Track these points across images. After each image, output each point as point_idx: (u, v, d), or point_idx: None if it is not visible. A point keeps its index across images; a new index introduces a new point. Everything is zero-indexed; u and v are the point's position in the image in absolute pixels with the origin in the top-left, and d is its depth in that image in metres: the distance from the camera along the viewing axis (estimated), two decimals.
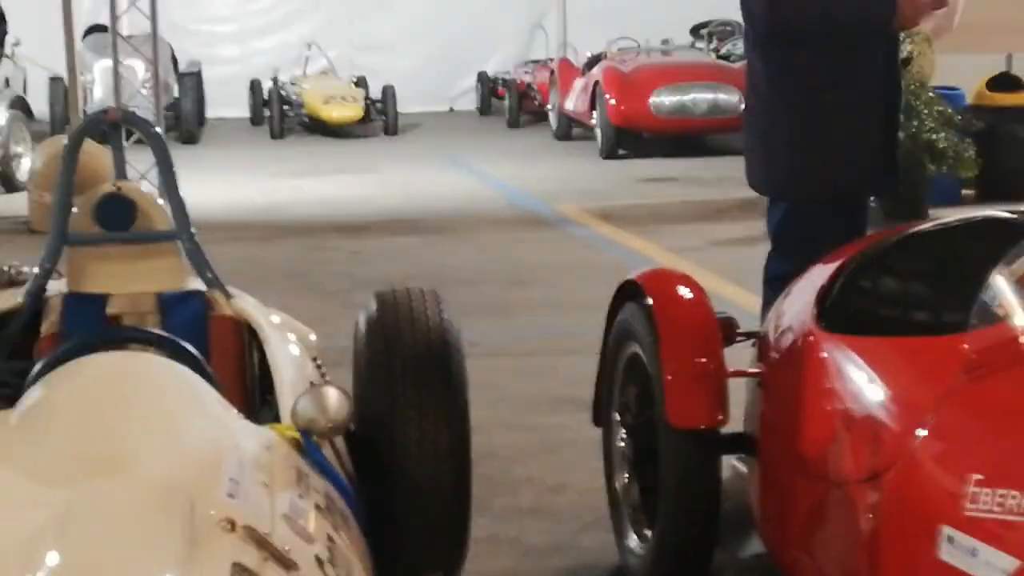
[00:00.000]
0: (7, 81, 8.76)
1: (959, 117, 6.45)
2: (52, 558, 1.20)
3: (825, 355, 2.17)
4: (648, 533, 2.65)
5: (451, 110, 13.19)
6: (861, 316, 2.33)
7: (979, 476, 1.67)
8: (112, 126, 2.64)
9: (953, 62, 6.55)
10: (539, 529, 2.86)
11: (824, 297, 2.34)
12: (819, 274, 2.47)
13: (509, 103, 11.76)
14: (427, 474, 2.04)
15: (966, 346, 1.91)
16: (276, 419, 1.94)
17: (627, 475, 2.79)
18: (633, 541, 2.71)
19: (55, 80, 9.75)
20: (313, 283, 5.18)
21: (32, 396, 1.70)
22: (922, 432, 1.86)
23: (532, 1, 12.69)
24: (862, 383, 2.09)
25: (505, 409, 3.45)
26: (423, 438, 2.04)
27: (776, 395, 2.39)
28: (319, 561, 1.43)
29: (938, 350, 2.01)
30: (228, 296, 2.46)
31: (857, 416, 2.04)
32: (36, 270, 2.50)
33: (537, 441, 3.39)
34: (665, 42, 10.45)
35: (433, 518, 2.06)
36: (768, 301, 2.87)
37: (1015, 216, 2.45)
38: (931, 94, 6.36)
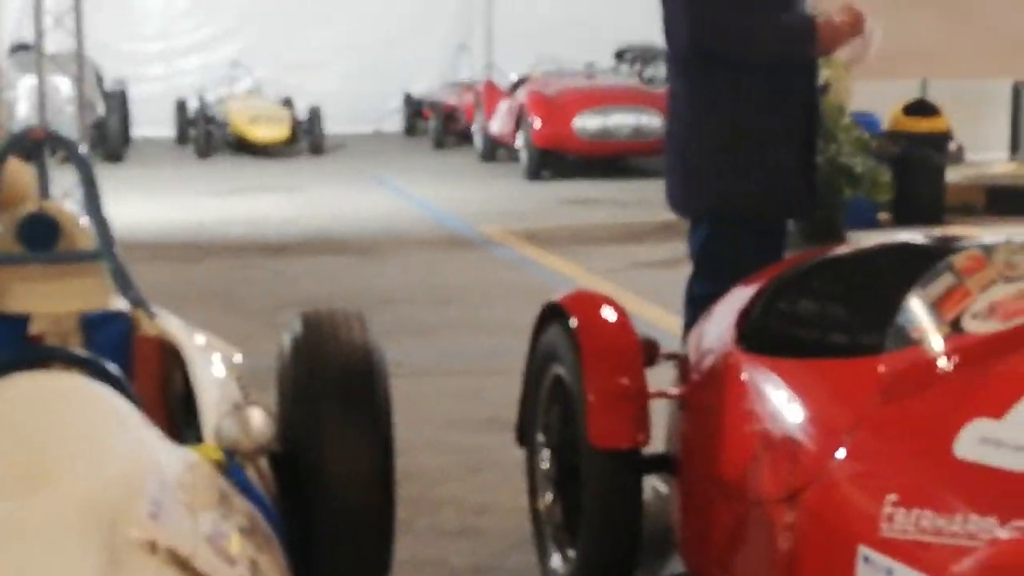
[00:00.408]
0: None
1: (875, 142, 6.63)
2: None
3: (745, 376, 2.22)
4: (571, 553, 2.65)
5: (377, 131, 13.17)
6: (780, 338, 2.37)
7: (894, 497, 1.71)
8: (36, 144, 2.63)
9: (869, 89, 6.80)
10: (463, 550, 2.84)
11: (744, 318, 2.39)
12: (739, 296, 2.52)
13: (435, 124, 11.80)
14: (351, 496, 2.03)
15: (882, 368, 1.97)
16: (199, 440, 1.94)
17: (550, 495, 2.79)
18: (556, 561, 2.72)
19: None
20: (237, 303, 5.15)
21: None
22: (839, 453, 1.89)
23: (457, 22, 12.67)
24: (781, 404, 2.13)
25: (429, 430, 3.45)
26: (347, 459, 2.04)
27: (697, 416, 2.43)
28: None
29: (855, 372, 2.06)
30: (152, 316, 2.47)
31: (775, 436, 2.07)
32: None
33: (461, 462, 3.38)
34: (589, 65, 10.55)
35: (357, 540, 2.05)
36: (689, 322, 2.91)
37: (929, 241, 2.55)
38: (848, 119, 6.52)
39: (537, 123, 9.16)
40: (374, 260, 6.43)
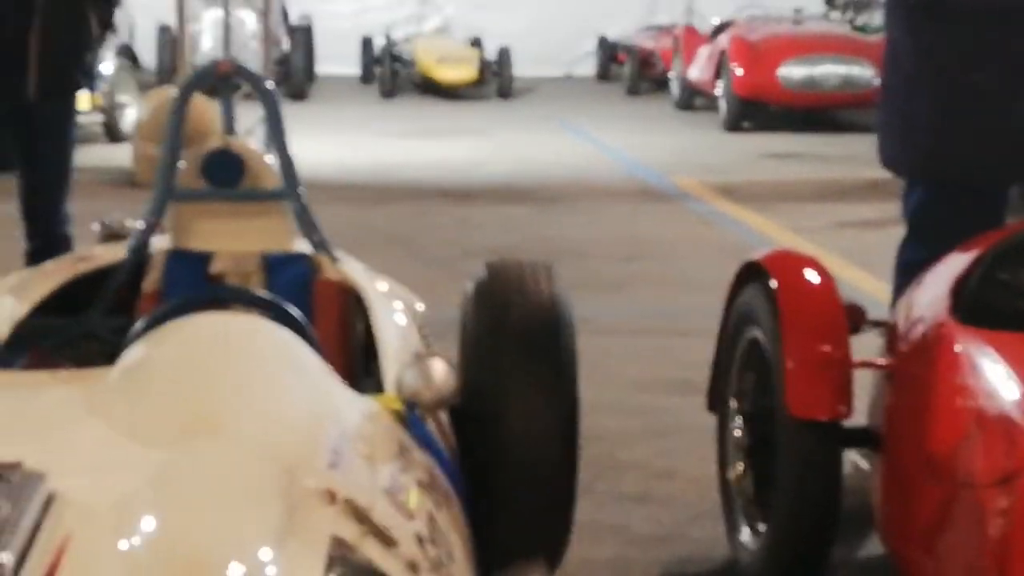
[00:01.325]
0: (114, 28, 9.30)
1: None
2: (147, 522, 1.18)
3: (959, 349, 2.11)
4: (762, 527, 2.61)
5: (568, 75, 12.98)
6: (1000, 310, 2.24)
7: None
8: (222, 79, 2.54)
9: None
10: (645, 517, 2.80)
11: (960, 287, 2.27)
12: (956, 263, 2.39)
13: (630, 69, 11.58)
14: (533, 453, 2.01)
15: None
16: (379, 389, 1.91)
17: (742, 465, 2.75)
18: (746, 535, 2.68)
19: (163, 29, 9.84)
20: (419, 250, 5.12)
21: (132, 354, 1.70)
22: None
23: None
24: (998, 380, 2.01)
25: (615, 390, 3.40)
26: (530, 416, 2.02)
27: (904, 389, 2.34)
28: (419, 539, 1.42)
29: None
30: (334, 260, 2.41)
31: (990, 415, 1.97)
32: (139, 224, 2.43)
33: (646, 425, 3.35)
34: (797, 11, 10.04)
35: (537, 500, 2.03)
36: (899, 289, 2.80)
37: None
38: None
39: (739, 71, 8.92)
40: (562, 210, 6.36)
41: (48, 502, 1.17)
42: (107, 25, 3.60)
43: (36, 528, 1.13)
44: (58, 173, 3.57)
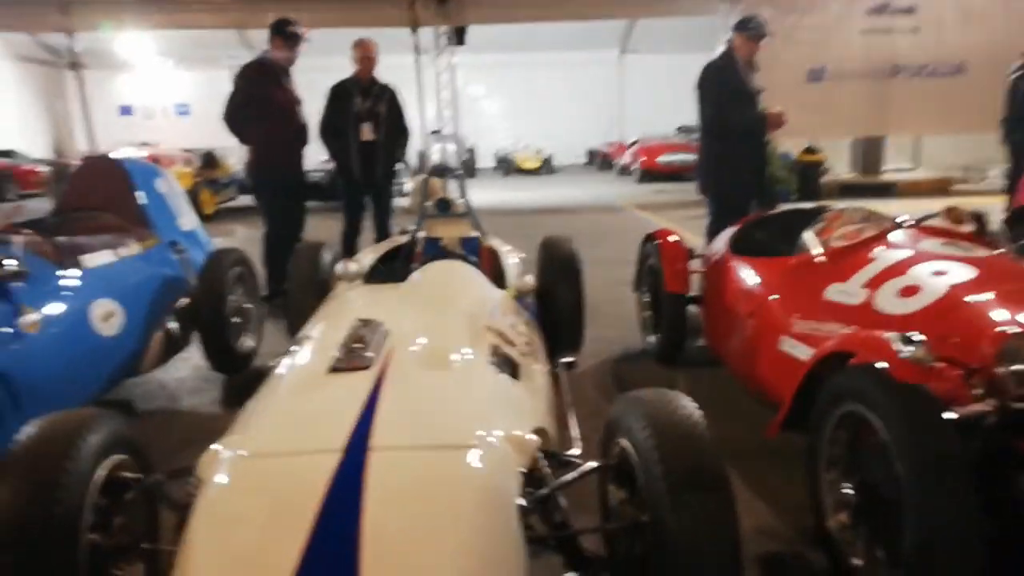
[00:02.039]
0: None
1: (790, 164, 12.57)
2: (420, 340, 2.21)
3: (731, 265, 3.79)
4: (653, 337, 4.41)
5: (575, 164, 23.77)
6: (748, 248, 3.89)
7: (798, 314, 2.99)
8: (441, 171, 4.44)
9: (785, 143, 12.17)
10: (608, 327, 4.59)
11: (733, 238, 4.10)
12: (731, 229, 4.26)
13: (598, 161, 22.88)
14: (566, 307, 3.56)
15: (792, 262, 3.34)
16: (506, 287, 3.24)
17: (648, 312, 4.61)
18: (651, 338, 4.50)
19: (420, 153, 15.54)
20: (522, 232, 7.47)
21: (414, 277, 3.04)
22: (772, 295, 3.25)
23: (608, 121, 23.56)
24: (747, 276, 3.56)
25: (597, 285, 4.85)
26: (563, 293, 3.57)
27: (710, 279, 4.05)
28: (524, 343, 2.58)
29: (781, 264, 3.43)
30: (487, 238, 4.09)
31: (742, 287, 3.55)
32: (413, 228, 4.08)
33: (608, 296, 5.39)
34: (666, 136, 18.90)
35: (569, 325, 3.58)
36: (707, 241, 4.80)
37: (814, 207, 4.18)
38: (777, 155, 11.76)
39: (643, 158, 17.64)
40: (575, 215, 11.81)
41: (385, 333, 2.22)
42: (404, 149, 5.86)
43: (381, 343, 2.14)
44: (389, 213, 6.28)
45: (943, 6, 12.59)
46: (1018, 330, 2.17)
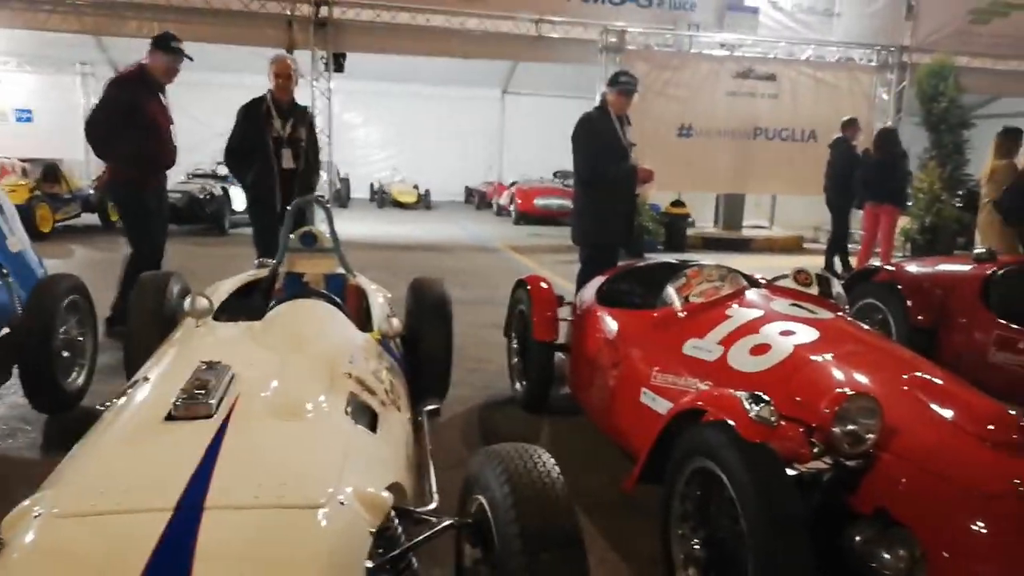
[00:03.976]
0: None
1: (658, 216, 12.98)
2: (273, 386, 2.11)
3: (597, 315, 3.90)
4: (520, 385, 4.44)
5: (454, 201, 22.86)
6: (614, 299, 4.08)
7: (657, 368, 3.11)
8: (312, 202, 4.20)
9: (655, 195, 12.73)
10: (478, 376, 4.73)
11: (600, 289, 4.22)
12: (598, 279, 4.39)
13: (476, 200, 22.13)
14: (434, 353, 3.49)
15: (655, 315, 3.47)
16: (371, 330, 3.07)
17: (516, 357, 4.64)
18: (518, 386, 4.53)
19: None
20: (391, 269, 8.33)
21: (271, 315, 2.89)
22: (634, 350, 3.38)
23: (489, 159, 23.17)
24: (612, 328, 3.68)
25: (466, 327, 5.18)
26: (431, 336, 3.52)
27: (577, 328, 4.12)
28: (385, 391, 2.45)
29: (643, 316, 3.56)
30: (354, 276, 3.94)
31: (606, 337, 3.65)
32: (273, 262, 3.85)
33: (478, 340, 5.47)
34: (541, 179, 19.12)
35: (435, 370, 3.50)
36: (577, 289, 4.91)
37: (676, 261, 4.38)
38: (647, 206, 12.33)
39: (519, 200, 17.78)
40: (450, 254, 11.55)
41: (232, 378, 2.08)
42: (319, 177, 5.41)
43: (226, 388, 2.01)
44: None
45: (799, 76, 13.72)
46: (851, 392, 2.31)
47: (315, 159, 5.90)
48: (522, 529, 1.63)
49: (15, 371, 3.78)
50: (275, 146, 5.60)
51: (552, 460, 1.83)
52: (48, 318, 3.65)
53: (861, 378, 2.59)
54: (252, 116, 5.65)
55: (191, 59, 5.54)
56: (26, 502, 1.56)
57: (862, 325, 3.27)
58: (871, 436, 2.24)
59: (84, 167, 16.31)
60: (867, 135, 10.82)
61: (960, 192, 11.99)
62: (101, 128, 5.20)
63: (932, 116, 12.43)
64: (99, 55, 18.47)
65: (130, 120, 5.14)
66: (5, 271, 3.93)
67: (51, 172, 12.67)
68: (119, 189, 5.47)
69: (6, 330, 3.71)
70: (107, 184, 5.51)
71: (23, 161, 13.44)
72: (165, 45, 5.31)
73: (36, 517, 1.50)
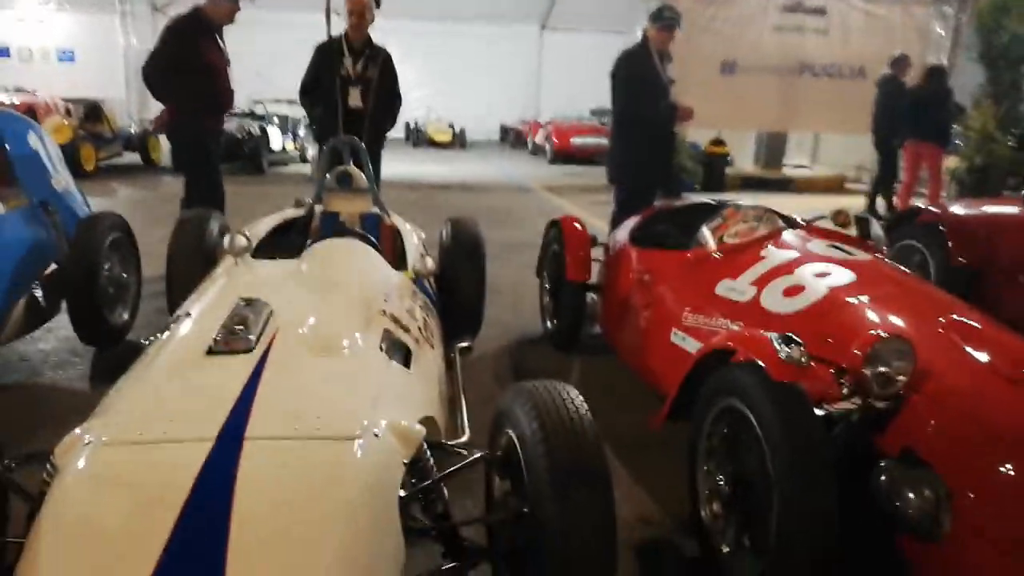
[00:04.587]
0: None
1: (697, 155, 12.60)
2: (310, 322, 2.17)
3: (630, 255, 3.91)
4: (551, 323, 4.41)
5: (489, 140, 22.80)
6: (648, 240, 4.04)
7: (689, 308, 3.13)
8: (347, 143, 4.07)
9: (695, 132, 12.47)
10: (503, 303, 4.73)
11: (634, 229, 4.19)
12: (633, 219, 4.35)
13: (511, 138, 22.19)
14: (467, 289, 3.61)
15: (689, 255, 3.48)
16: (406, 268, 3.19)
17: (548, 297, 4.65)
18: (549, 324, 4.55)
19: None
20: (426, 208, 8.50)
21: (308, 253, 2.94)
22: (666, 288, 3.42)
23: (526, 98, 22.70)
24: (645, 268, 3.69)
25: (501, 265, 5.37)
26: (466, 274, 3.63)
27: (610, 268, 4.13)
28: (419, 327, 2.54)
29: (679, 256, 3.56)
30: (388, 215, 3.99)
31: (640, 278, 3.68)
32: (310, 200, 3.92)
33: (512, 277, 5.50)
34: (579, 117, 18.70)
35: (468, 305, 3.61)
36: (611, 229, 4.93)
37: (713, 201, 4.29)
38: (686, 145, 12.17)
39: (555, 140, 17.51)
40: (484, 194, 11.62)
41: (270, 314, 2.12)
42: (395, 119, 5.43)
43: (265, 324, 2.06)
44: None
45: (850, 10, 13.14)
46: (885, 334, 2.29)
47: (389, 101, 5.71)
48: (550, 463, 1.66)
49: (63, 306, 3.88)
50: (342, 85, 5.49)
51: (580, 397, 1.86)
52: (93, 255, 3.74)
53: (895, 320, 2.56)
54: (324, 54, 5.55)
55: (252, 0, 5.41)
56: (77, 430, 1.63)
57: (899, 267, 3.21)
58: (902, 378, 2.23)
59: (125, 106, 16.50)
60: (918, 70, 10.40)
61: (1014, 131, 11.50)
62: (158, 73, 5.20)
63: (992, 50, 11.82)
64: None
65: (186, 64, 5.14)
66: (52, 209, 4.03)
67: (93, 112, 12.83)
68: (178, 130, 5.48)
69: (56, 266, 3.79)
70: (166, 125, 5.53)
71: (66, 100, 13.61)
72: None
73: (87, 444, 1.57)
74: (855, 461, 2.20)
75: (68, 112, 12.92)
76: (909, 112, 9.15)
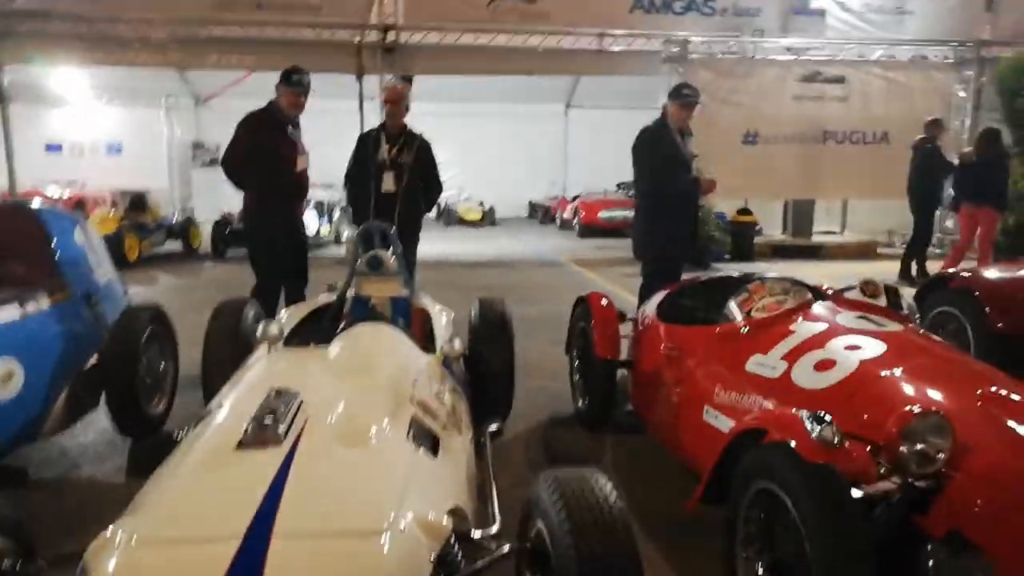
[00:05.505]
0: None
1: (724, 225, 12.70)
2: (337, 412, 2.19)
3: (659, 331, 3.89)
4: (583, 402, 4.36)
5: (518, 217, 23.38)
6: (676, 315, 4.03)
7: (719, 385, 3.06)
8: (377, 227, 4.17)
9: (721, 203, 12.57)
10: (540, 388, 4.75)
11: (662, 305, 4.18)
12: (660, 295, 4.34)
13: (540, 215, 22.59)
14: (497, 371, 3.60)
15: (718, 331, 3.42)
16: (435, 351, 3.21)
17: (577, 375, 4.56)
18: (580, 402, 4.40)
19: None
20: (456, 287, 8.33)
21: (338, 340, 2.94)
22: (696, 367, 3.35)
23: (553, 175, 23.03)
24: (674, 344, 3.64)
25: (529, 343, 5.30)
26: (495, 357, 3.63)
27: (639, 345, 4.13)
28: (447, 413, 2.57)
29: (706, 332, 3.50)
30: (418, 298, 4.02)
31: (665, 354, 3.65)
32: (341, 285, 3.97)
33: (542, 356, 5.44)
34: (605, 191, 18.98)
35: (499, 389, 3.62)
36: (639, 304, 4.88)
37: (739, 275, 4.28)
38: (712, 215, 12.25)
39: (583, 213, 17.98)
40: (514, 270, 11.83)
41: (300, 404, 2.16)
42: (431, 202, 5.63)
43: (294, 415, 2.10)
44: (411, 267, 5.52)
45: (869, 77, 13.32)
46: (920, 410, 2.25)
47: (424, 183, 5.86)
48: (579, 556, 1.64)
49: (103, 398, 3.96)
50: (377, 170, 5.71)
51: (610, 484, 1.84)
52: (131, 348, 3.84)
53: (931, 394, 2.51)
54: (364, 142, 5.83)
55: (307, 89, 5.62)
56: (107, 530, 1.66)
57: (933, 337, 3.17)
58: (941, 456, 2.17)
59: (168, 195, 17.11)
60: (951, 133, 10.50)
61: None
62: (228, 164, 5.46)
63: (1015, 112, 11.86)
64: (182, 87, 19.45)
65: (253, 155, 5.37)
66: (93, 301, 4.17)
67: (139, 202, 13.32)
68: (246, 219, 5.75)
69: (95, 359, 3.90)
70: (240, 214, 5.75)
71: (112, 192, 14.18)
72: (288, 79, 5.50)
73: (117, 546, 1.60)
74: (898, 543, 2.13)
75: (114, 203, 13.43)
76: (965, 176, 9.10)
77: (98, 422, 4.31)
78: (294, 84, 5.45)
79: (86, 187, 15.50)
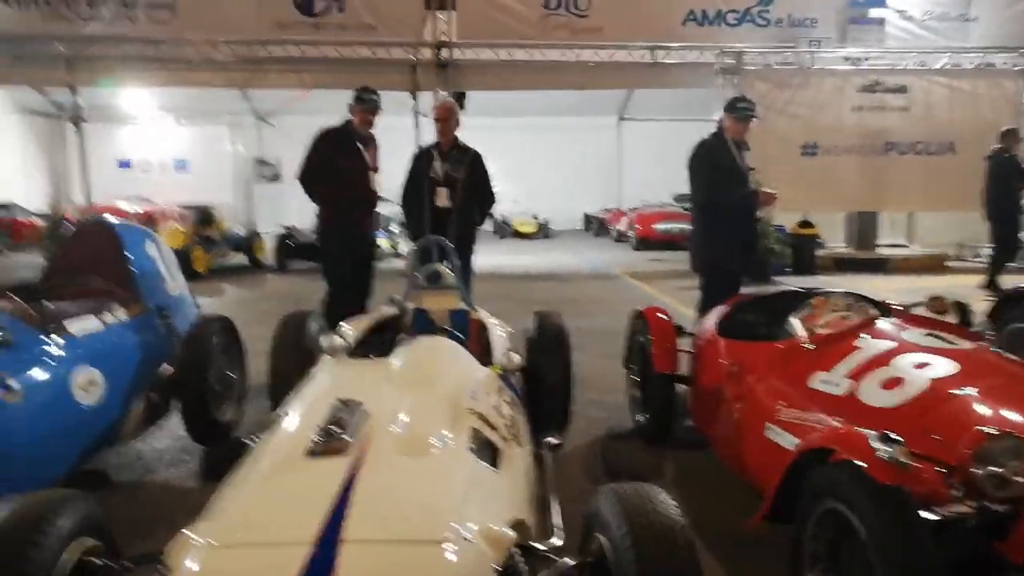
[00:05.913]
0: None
1: (784, 237, 12.54)
2: (401, 421, 2.23)
3: (719, 347, 3.82)
4: (642, 416, 4.30)
5: (573, 229, 23.80)
6: (736, 330, 3.93)
7: (784, 402, 2.99)
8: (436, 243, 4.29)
9: (780, 216, 12.46)
10: (599, 404, 4.78)
11: (721, 320, 4.12)
12: (719, 308, 4.28)
13: (595, 226, 22.98)
14: (553, 385, 3.60)
15: (780, 346, 3.36)
16: (492, 364, 3.19)
17: (637, 390, 4.51)
18: (640, 416, 4.32)
19: None
20: (513, 299, 8.62)
21: (399, 351, 3.00)
22: (758, 383, 3.26)
23: (607, 187, 23.44)
24: (735, 360, 3.58)
25: (587, 356, 5.33)
26: (552, 371, 3.64)
27: (698, 360, 4.07)
28: (505, 425, 2.52)
29: (768, 348, 3.43)
30: (476, 310, 4.10)
31: (727, 370, 3.58)
32: (403, 298, 4.05)
33: (600, 369, 5.41)
34: (662, 204, 19.13)
35: (555, 402, 3.63)
36: (698, 318, 4.85)
37: (801, 290, 4.22)
38: (772, 228, 12.09)
39: (638, 227, 18.25)
40: (569, 283, 12.01)
41: (365, 414, 2.21)
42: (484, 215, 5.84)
43: (360, 424, 2.16)
44: (467, 278, 5.69)
45: (932, 86, 12.97)
46: (995, 431, 2.18)
47: (479, 199, 5.99)
48: (642, 571, 1.64)
49: (176, 405, 4.11)
50: (431, 186, 5.85)
51: (671, 500, 1.83)
52: (203, 357, 3.98)
53: (1007, 414, 2.43)
54: (419, 160, 5.99)
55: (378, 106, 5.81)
56: (186, 532, 1.73)
57: (1008, 355, 3.05)
58: (1020, 479, 2.09)
59: (232, 209, 17.70)
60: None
61: None
62: (304, 177, 5.70)
63: None
64: (244, 105, 20.11)
65: (324, 169, 5.60)
66: (166, 313, 4.33)
67: (205, 217, 13.80)
68: (319, 230, 5.98)
69: (169, 368, 4.05)
70: (315, 227, 6.06)
71: (181, 207, 14.70)
72: (359, 98, 5.72)
73: (196, 546, 1.67)
74: (976, 569, 2.08)
75: (182, 218, 13.91)
76: None
77: (172, 429, 4.45)
78: (365, 103, 5.64)
79: (155, 203, 16.09)
